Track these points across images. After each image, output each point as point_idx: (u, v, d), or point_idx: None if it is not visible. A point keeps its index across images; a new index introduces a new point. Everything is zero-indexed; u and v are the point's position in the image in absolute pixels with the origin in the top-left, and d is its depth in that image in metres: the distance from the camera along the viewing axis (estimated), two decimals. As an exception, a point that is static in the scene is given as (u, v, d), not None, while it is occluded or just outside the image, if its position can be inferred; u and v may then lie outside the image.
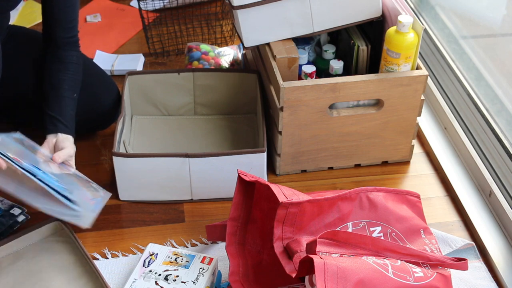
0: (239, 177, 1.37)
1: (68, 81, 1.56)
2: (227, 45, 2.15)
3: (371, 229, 1.38)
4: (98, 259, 1.45)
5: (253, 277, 1.34)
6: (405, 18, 1.52)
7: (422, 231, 1.41)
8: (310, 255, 1.16)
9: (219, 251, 1.47)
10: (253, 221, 1.39)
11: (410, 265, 1.26)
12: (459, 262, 1.31)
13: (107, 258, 1.46)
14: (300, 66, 1.66)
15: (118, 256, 1.47)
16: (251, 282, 1.33)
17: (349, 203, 1.37)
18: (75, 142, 1.60)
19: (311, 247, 1.20)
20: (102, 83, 1.74)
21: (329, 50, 1.73)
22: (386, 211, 1.40)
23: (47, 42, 1.59)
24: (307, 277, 1.22)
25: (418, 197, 1.47)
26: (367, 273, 1.17)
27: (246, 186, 1.38)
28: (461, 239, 1.51)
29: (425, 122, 1.87)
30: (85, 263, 1.38)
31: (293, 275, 1.21)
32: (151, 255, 1.39)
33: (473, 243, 1.51)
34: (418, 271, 1.24)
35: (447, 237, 1.50)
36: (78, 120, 1.62)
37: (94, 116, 1.72)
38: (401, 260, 1.26)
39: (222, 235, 1.41)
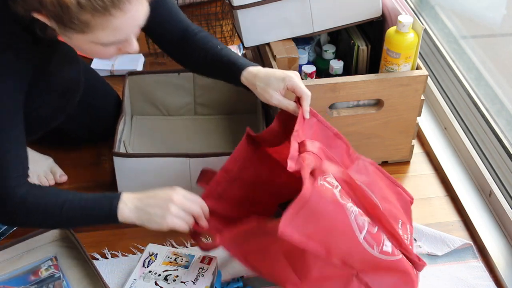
0: (246, 134, 1.38)
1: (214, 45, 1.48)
2: (227, 45, 2.15)
3: None
4: (98, 259, 1.45)
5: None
6: (405, 18, 1.52)
7: (400, 222, 1.40)
8: (308, 178, 1.14)
9: (219, 251, 1.47)
10: (242, 180, 1.39)
11: (385, 236, 1.26)
12: (419, 262, 1.31)
13: (107, 258, 1.46)
14: (300, 66, 1.66)
15: (118, 256, 1.46)
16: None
17: (350, 160, 1.38)
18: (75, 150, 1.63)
19: (316, 170, 1.19)
20: (102, 95, 1.74)
21: (329, 50, 1.73)
22: (376, 185, 1.40)
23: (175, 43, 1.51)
24: None
25: (412, 199, 1.47)
26: (340, 226, 1.16)
27: (251, 146, 1.39)
28: (459, 238, 1.51)
29: (425, 122, 1.87)
30: (87, 267, 1.38)
31: (290, 169, 1.20)
32: (150, 255, 1.39)
33: (471, 242, 1.51)
34: (388, 245, 1.24)
35: (445, 237, 1.50)
36: (77, 131, 1.67)
37: (94, 126, 1.73)
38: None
39: (210, 180, 1.40)
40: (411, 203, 1.48)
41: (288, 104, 1.35)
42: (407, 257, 1.29)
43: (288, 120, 1.35)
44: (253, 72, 1.38)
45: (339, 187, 1.22)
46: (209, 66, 1.47)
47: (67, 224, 1.34)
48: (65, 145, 1.75)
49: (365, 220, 1.21)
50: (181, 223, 1.25)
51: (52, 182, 1.64)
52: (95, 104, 1.69)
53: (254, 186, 1.40)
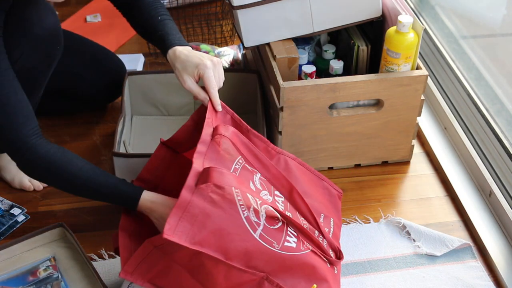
0: (160, 143, 1.37)
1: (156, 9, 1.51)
2: (227, 45, 2.15)
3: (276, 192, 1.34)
4: (95, 259, 1.45)
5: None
6: (405, 18, 1.52)
7: (323, 216, 1.37)
8: (187, 185, 1.11)
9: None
10: (162, 190, 1.36)
11: (290, 231, 1.22)
12: (330, 257, 1.28)
13: (104, 258, 1.46)
14: (300, 66, 1.66)
15: (115, 257, 1.46)
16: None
17: (270, 156, 1.37)
18: (77, 134, 1.66)
19: (204, 173, 1.14)
20: (109, 55, 1.82)
21: (329, 50, 1.73)
22: (296, 179, 1.37)
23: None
24: None
25: (340, 193, 1.47)
26: (230, 226, 1.13)
27: (169, 154, 1.38)
28: (458, 239, 1.51)
29: (425, 122, 1.87)
30: (86, 268, 1.38)
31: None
32: (149, 255, 1.38)
33: (469, 242, 1.51)
34: (291, 241, 1.21)
35: (443, 237, 1.50)
36: (86, 90, 1.76)
37: (104, 83, 1.79)
38: (285, 221, 1.23)
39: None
40: (340, 196, 1.47)
41: (198, 93, 1.33)
42: (322, 251, 1.27)
43: (202, 117, 1.31)
44: (176, 53, 1.38)
45: (259, 174, 1.20)
46: (147, 35, 1.51)
47: (83, 196, 1.35)
48: (75, 110, 1.87)
49: (261, 217, 1.17)
50: None
51: (39, 188, 1.64)
52: (103, 66, 1.78)
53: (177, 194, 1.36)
